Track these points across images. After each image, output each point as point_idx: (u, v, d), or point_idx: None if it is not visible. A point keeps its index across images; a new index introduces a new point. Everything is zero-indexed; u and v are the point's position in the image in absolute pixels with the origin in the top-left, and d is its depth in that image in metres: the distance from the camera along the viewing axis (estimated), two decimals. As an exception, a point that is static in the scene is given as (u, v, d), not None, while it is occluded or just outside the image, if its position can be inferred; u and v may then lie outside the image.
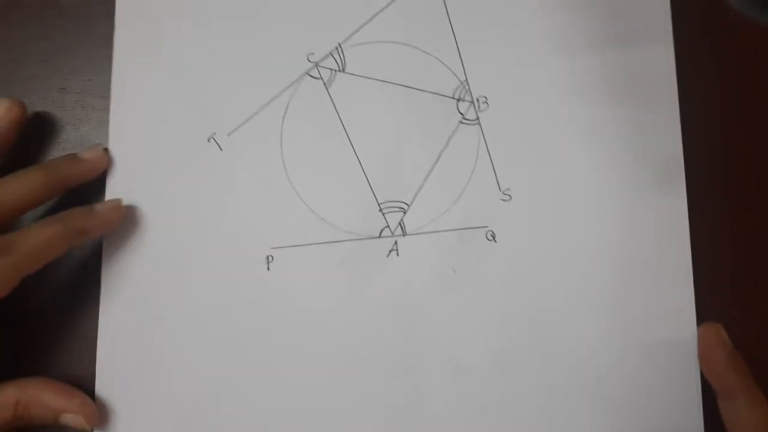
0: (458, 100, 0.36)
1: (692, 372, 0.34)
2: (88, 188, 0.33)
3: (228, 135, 0.36)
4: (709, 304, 0.34)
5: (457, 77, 0.36)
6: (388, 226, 0.36)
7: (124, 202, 0.36)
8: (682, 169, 0.35)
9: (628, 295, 0.34)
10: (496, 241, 0.35)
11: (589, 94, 0.36)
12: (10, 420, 0.32)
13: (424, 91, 0.36)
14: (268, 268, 0.35)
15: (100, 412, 0.34)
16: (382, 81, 0.37)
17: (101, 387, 0.35)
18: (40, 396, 0.33)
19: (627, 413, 0.34)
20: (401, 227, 0.35)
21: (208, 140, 0.36)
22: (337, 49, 0.37)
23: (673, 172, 0.35)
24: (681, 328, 0.34)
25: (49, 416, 0.33)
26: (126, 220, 0.35)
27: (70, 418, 0.33)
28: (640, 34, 0.36)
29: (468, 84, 0.36)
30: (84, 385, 0.34)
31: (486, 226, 0.35)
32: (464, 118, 0.36)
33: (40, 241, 0.32)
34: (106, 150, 0.36)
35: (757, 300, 0.35)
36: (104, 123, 0.37)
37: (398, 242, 0.35)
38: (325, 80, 0.37)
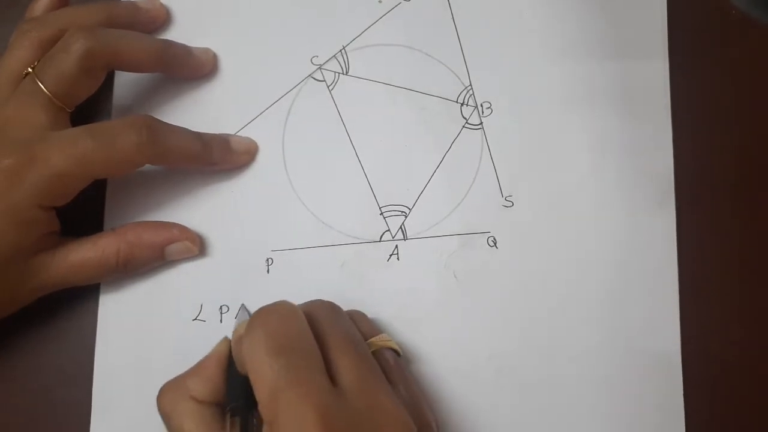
0: (462, 104, 0.36)
1: (676, 381, 0.34)
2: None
3: (230, 136, 0.36)
4: (694, 315, 0.34)
5: (461, 81, 0.36)
6: (389, 230, 0.35)
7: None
8: (671, 180, 0.35)
9: (621, 302, 0.34)
10: (497, 247, 0.35)
11: (591, 102, 0.36)
12: (113, 268, 0.33)
13: (427, 94, 0.36)
14: (268, 271, 0.35)
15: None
16: (385, 84, 0.37)
17: (99, 386, 0.34)
18: (140, 237, 0.34)
19: (617, 419, 0.34)
20: (402, 231, 0.35)
21: (210, 141, 0.36)
22: (341, 51, 0.37)
23: (663, 183, 0.35)
24: (665, 338, 0.34)
25: (154, 254, 0.34)
26: (126, 219, 0.36)
27: (175, 249, 0.34)
28: (638, 47, 0.36)
29: (472, 88, 0.36)
30: (82, 384, 0.34)
31: (488, 232, 0.35)
32: (468, 123, 0.36)
33: (181, 144, 0.34)
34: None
35: (739, 312, 0.35)
36: (104, 120, 0.37)
37: (399, 246, 0.35)
38: (328, 83, 0.37)
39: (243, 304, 0.34)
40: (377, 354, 0.30)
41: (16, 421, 0.35)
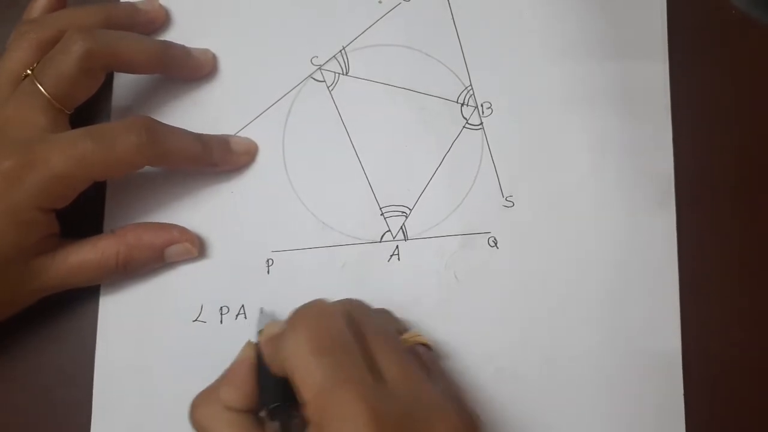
0: (462, 104, 0.36)
1: (676, 381, 0.34)
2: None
3: (230, 137, 0.36)
4: (694, 315, 0.34)
5: (461, 82, 0.36)
6: (389, 231, 0.35)
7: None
8: (671, 180, 0.35)
9: (621, 302, 0.34)
10: (498, 247, 0.35)
11: (592, 102, 0.36)
12: (113, 270, 0.33)
13: (427, 95, 0.36)
14: (268, 272, 0.35)
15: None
16: (385, 84, 0.37)
17: (100, 386, 0.34)
18: (140, 239, 0.34)
19: (617, 419, 0.34)
20: (403, 232, 0.35)
21: (210, 142, 0.36)
22: (341, 52, 0.37)
23: (663, 183, 0.35)
24: (666, 338, 0.34)
25: (154, 256, 0.34)
26: (126, 221, 0.35)
27: (174, 251, 0.34)
28: (638, 47, 0.36)
29: (472, 88, 0.36)
30: (82, 384, 0.34)
31: (488, 232, 0.35)
32: (468, 123, 0.36)
33: (180, 145, 0.34)
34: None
35: (739, 312, 0.35)
36: (103, 121, 0.37)
37: (399, 247, 0.35)
38: (328, 83, 0.37)
39: (262, 307, 0.34)
40: (410, 350, 0.30)
41: (16, 421, 0.35)
